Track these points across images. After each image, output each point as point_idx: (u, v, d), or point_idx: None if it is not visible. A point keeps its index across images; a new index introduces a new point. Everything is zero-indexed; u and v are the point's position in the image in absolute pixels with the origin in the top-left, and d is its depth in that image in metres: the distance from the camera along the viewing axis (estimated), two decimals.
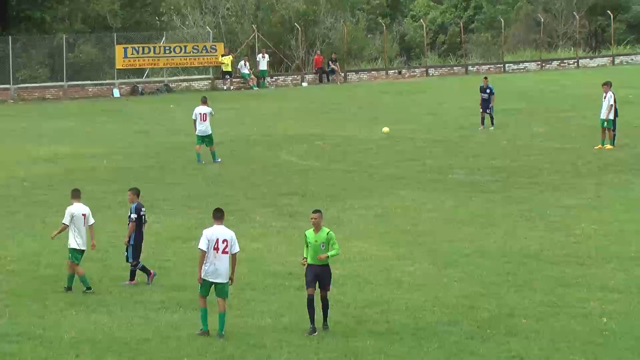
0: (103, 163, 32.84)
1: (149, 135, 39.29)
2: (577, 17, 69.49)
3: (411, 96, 51.36)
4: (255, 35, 60.40)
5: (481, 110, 39.06)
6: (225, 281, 16.26)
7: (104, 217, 23.49)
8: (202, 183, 29.38)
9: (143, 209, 19.35)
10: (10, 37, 52.82)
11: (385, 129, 38.35)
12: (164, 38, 58.28)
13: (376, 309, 17.37)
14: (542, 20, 68.52)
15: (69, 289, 18.79)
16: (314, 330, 16.10)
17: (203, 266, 16.16)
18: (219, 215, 16.41)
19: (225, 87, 56.53)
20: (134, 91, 54.93)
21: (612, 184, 28.03)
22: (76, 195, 19.25)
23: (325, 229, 16.18)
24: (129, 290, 18.84)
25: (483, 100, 38.99)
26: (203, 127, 32.53)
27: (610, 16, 68.53)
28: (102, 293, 18.65)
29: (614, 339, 15.75)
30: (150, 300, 18.07)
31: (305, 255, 16.29)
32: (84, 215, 18.94)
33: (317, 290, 16.24)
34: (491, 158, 32.44)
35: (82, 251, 18.98)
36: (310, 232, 16.20)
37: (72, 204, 19.06)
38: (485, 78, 40.23)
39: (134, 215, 19.10)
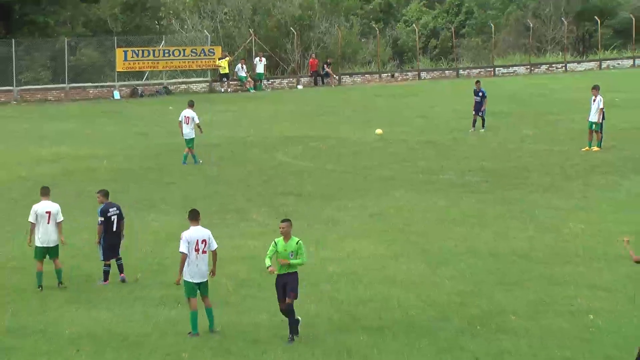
0: (103, 164, 32.97)
1: (148, 137, 39.33)
2: (565, 22, 69.61)
3: (404, 99, 51.24)
4: (252, 39, 60.63)
5: (474, 112, 39.52)
6: (207, 279, 16.49)
7: None
8: (200, 184, 29.52)
9: (112, 209, 19.46)
10: (13, 40, 53.04)
11: (379, 131, 38.49)
12: (163, 42, 58.37)
13: (370, 306, 17.56)
14: (531, 25, 68.65)
15: (60, 283, 19.06)
16: (291, 339, 15.98)
17: (186, 269, 16.27)
18: (195, 216, 16.49)
19: (222, 90, 56.85)
20: (133, 93, 55.15)
21: (599, 186, 28.07)
22: (44, 192, 19.41)
23: (295, 239, 15.95)
24: (128, 286, 19.07)
25: (476, 102, 39.34)
26: (187, 130, 32.89)
27: (597, 22, 68.69)
28: (102, 290, 18.88)
29: (601, 336, 15.91)
30: (149, 297, 18.29)
31: (268, 263, 16.01)
32: (47, 212, 19.05)
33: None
34: (482, 160, 32.43)
35: (47, 248, 19.07)
36: (280, 241, 16.00)
37: (39, 202, 19.24)
38: (478, 82, 40.46)
39: (100, 219, 19.37)
